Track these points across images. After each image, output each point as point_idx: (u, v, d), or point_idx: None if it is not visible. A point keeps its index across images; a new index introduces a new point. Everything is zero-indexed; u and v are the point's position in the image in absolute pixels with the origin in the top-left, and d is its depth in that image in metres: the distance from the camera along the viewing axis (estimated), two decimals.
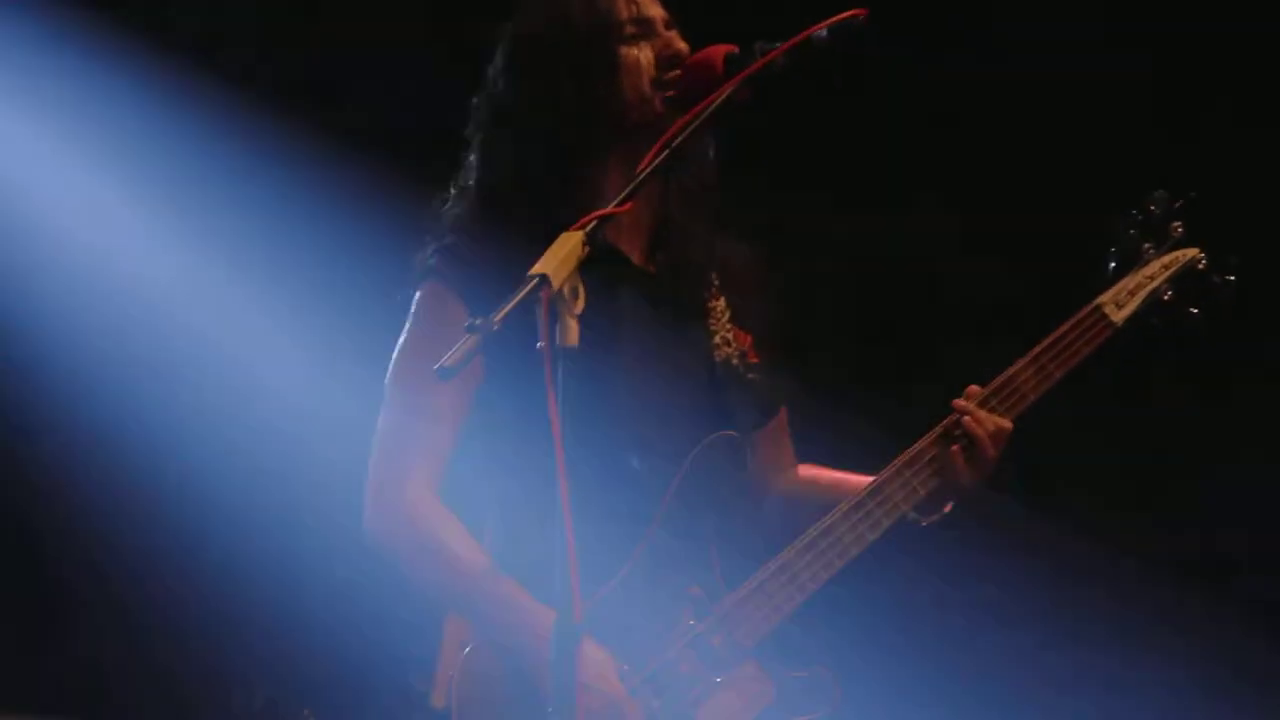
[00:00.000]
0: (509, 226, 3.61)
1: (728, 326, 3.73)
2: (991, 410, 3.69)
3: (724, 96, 3.31)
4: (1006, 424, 3.69)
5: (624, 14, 3.65)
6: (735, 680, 3.57)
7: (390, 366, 3.65)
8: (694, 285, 3.72)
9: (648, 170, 3.26)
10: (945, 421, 3.69)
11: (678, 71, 3.58)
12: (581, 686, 3.26)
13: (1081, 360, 3.74)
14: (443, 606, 3.59)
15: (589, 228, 3.15)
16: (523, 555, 3.57)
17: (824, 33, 3.32)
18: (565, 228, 3.21)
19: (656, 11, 3.67)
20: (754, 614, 3.59)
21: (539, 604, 3.48)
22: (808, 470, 3.91)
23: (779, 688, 3.60)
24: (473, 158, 3.72)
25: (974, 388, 3.72)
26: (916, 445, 3.69)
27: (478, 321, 3.03)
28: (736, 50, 3.42)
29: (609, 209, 3.21)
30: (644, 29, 3.64)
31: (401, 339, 3.66)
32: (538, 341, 3.04)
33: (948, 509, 3.73)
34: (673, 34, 3.65)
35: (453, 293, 3.61)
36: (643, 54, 3.62)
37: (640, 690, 3.52)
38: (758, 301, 3.82)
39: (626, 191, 3.25)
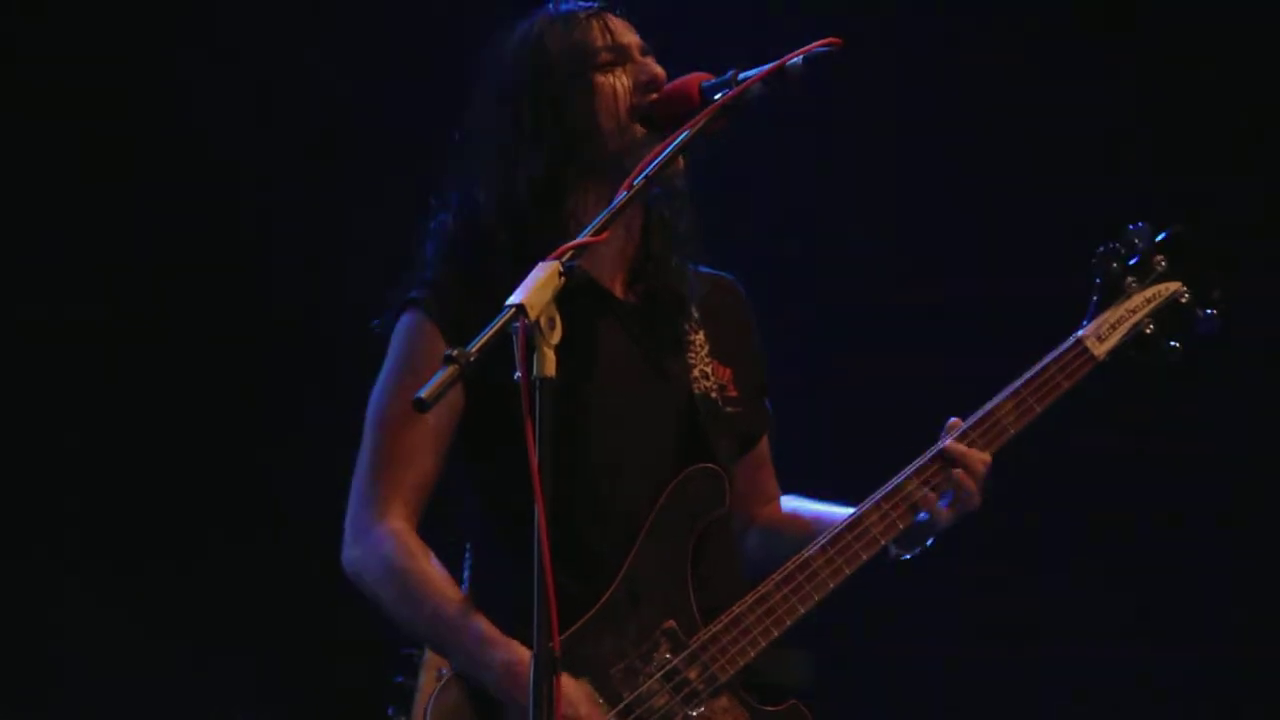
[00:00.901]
0: (489, 257, 3.60)
1: (707, 360, 3.71)
2: (971, 444, 3.68)
3: (700, 125, 3.31)
4: (985, 458, 3.68)
5: (599, 41, 3.64)
6: (711, 714, 3.55)
7: (371, 399, 3.64)
8: (673, 318, 3.71)
9: (623, 199, 3.26)
10: (924, 457, 3.67)
11: (654, 95, 3.58)
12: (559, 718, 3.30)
13: (1062, 394, 3.73)
14: (417, 638, 3.58)
15: (565, 257, 3.14)
16: (501, 586, 3.56)
17: (799, 61, 3.32)
18: (541, 252, 3.21)
19: (631, 39, 3.66)
20: (730, 647, 3.57)
21: (510, 639, 3.47)
22: (790, 502, 3.89)
23: None
24: (452, 188, 3.71)
25: (955, 420, 3.71)
26: (895, 479, 3.67)
27: (455, 353, 3.02)
28: (712, 78, 3.42)
29: (584, 239, 3.20)
30: (619, 56, 3.63)
31: (382, 371, 3.65)
32: (515, 371, 3.03)
33: (928, 543, 3.71)
34: (648, 59, 3.64)
35: (432, 324, 3.60)
36: (619, 81, 3.61)
37: None
38: (738, 334, 3.81)
39: (601, 220, 3.25)
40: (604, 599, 3.53)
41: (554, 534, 3.15)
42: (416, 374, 3.52)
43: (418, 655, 3.65)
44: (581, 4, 3.69)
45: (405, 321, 3.64)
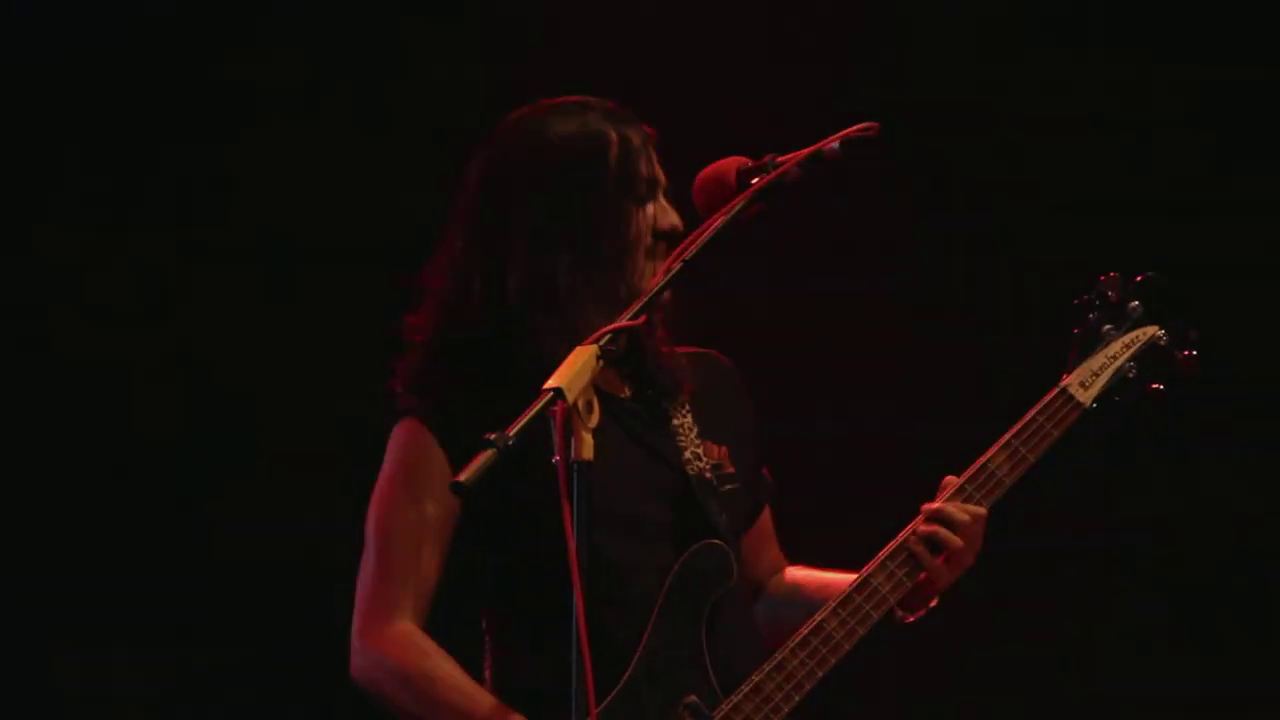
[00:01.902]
0: (482, 358, 3.62)
1: (697, 442, 3.71)
2: (968, 498, 3.69)
3: (737, 209, 3.33)
4: (981, 512, 3.69)
5: (643, 171, 3.63)
6: None
7: (370, 509, 3.66)
8: (662, 406, 3.71)
9: (662, 285, 3.29)
10: (917, 520, 3.69)
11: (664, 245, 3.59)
12: None
13: (1053, 443, 3.75)
14: None
15: (603, 341, 3.16)
16: (523, 675, 3.59)
17: (836, 146, 3.35)
18: (536, 356, 3.34)
19: (662, 177, 3.66)
20: (754, 716, 3.56)
21: None
22: (795, 572, 3.90)
23: None
24: (438, 283, 3.70)
25: (949, 479, 3.72)
26: (897, 539, 3.69)
27: (494, 436, 3.04)
28: (749, 163, 3.43)
29: (622, 323, 3.23)
30: (651, 191, 3.64)
31: (379, 480, 3.67)
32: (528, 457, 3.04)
33: (933, 604, 3.73)
34: (668, 204, 3.64)
35: (427, 430, 3.61)
36: (644, 217, 3.62)
37: None
38: (729, 409, 3.81)
39: (639, 305, 3.28)
40: (622, 681, 3.54)
41: (565, 623, 3.18)
42: (414, 483, 3.59)
43: None
44: (625, 119, 3.67)
45: (402, 431, 3.65)
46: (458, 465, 3.40)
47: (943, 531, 3.66)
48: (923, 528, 3.67)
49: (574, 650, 3.05)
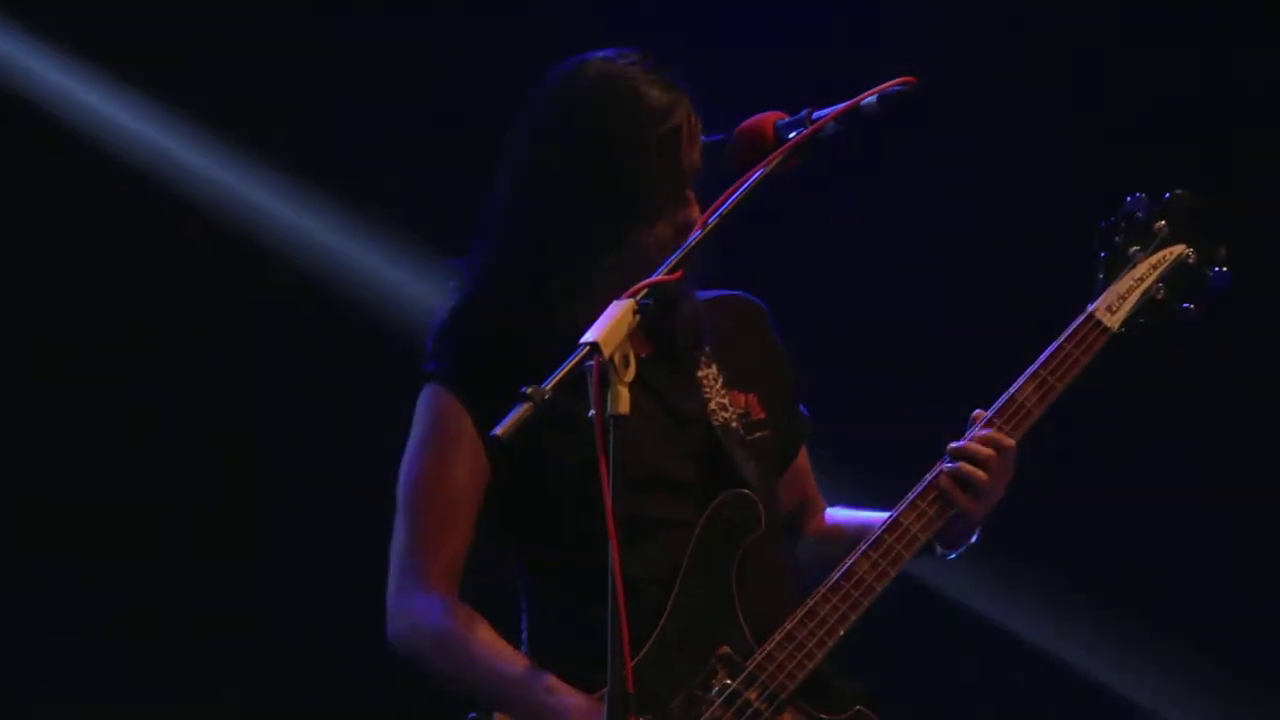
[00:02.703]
0: (512, 314, 3.63)
1: (722, 392, 3.71)
2: (998, 431, 3.68)
3: (774, 164, 3.32)
4: (1008, 444, 3.67)
5: (685, 162, 3.62)
6: None
7: (400, 476, 3.67)
8: (683, 359, 3.71)
9: (696, 238, 3.28)
10: (945, 455, 3.68)
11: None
12: None
13: (1081, 370, 3.72)
14: (477, 701, 3.59)
15: (639, 295, 3.15)
16: (558, 635, 3.61)
17: (874, 100, 3.33)
18: (568, 320, 3.38)
19: (697, 158, 3.64)
20: (786, 663, 3.57)
21: (566, 685, 3.50)
22: (835, 512, 3.91)
23: None
24: (477, 246, 3.71)
25: (979, 412, 3.71)
26: (927, 476, 3.68)
27: (530, 390, 3.04)
28: (786, 117, 3.42)
29: (659, 277, 3.22)
30: (688, 178, 3.64)
31: (408, 447, 3.68)
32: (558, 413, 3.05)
33: (972, 538, 3.73)
34: (692, 197, 3.64)
35: (452, 394, 3.62)
36: (681, 186, 3.62)
37: None
38: (758, 353, 3.81)
39: (675, 259, 3.27)
40: (653, 637, 3.55)
41: (598, 581, 3.19)
42: (442, 447, 3.61)
43: (482, 718, 3.66)
44: (674, 86, 3.65)
45: (427, 396, 3.66)
46: (483, 428, 3.47)
47: (967, 468, 3.65)
48: (948, 466, 3.66)
49: (610, 605, 3.05)
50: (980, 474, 3.64)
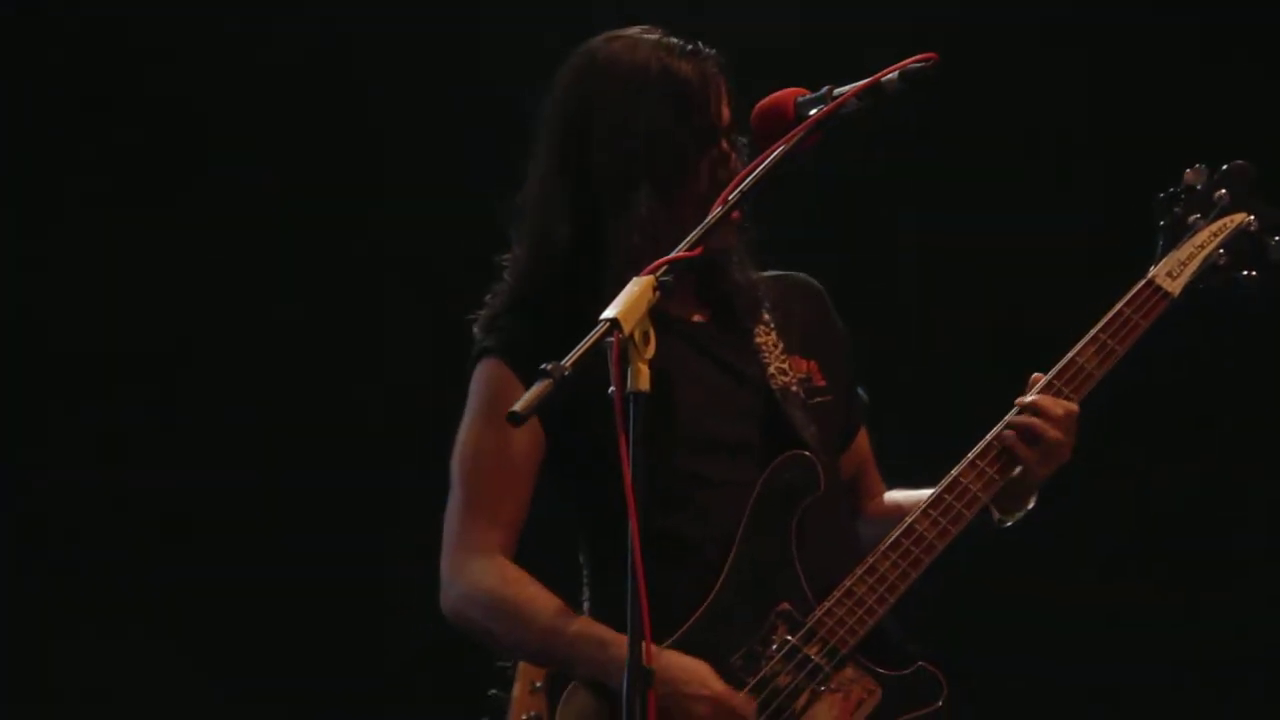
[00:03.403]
0: (564, 295, 3.64)
1: (782, 358, 3.74)
2: (1057, 394, 3.68)
3: (795, 140, 3.31)
4: (1073, 407, 3.67)
5: (715, 118, 3.66)
6: (839, 686, 3.58)
7: (455, 449, 3.70)
8: (740, 325, 3.74)
9: (718, 214, 3.28)
10: (1012, 413, 3.68)
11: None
12: (684, 698, 3.43)
13: (1141, 334, 3.72)
14: (534, 661, 3.62)
15: (659, 272, 3.15)
16: (619, 599, 3.58)
17: (896, 76, 3.32)
18: (611, 276, 3.40)
19: (726, 121, 3.68)
20: (847, 619, 3.58)
21: (620, 637, 3.47)
22: (894, 494, 3.91)
23: (885, 688, 3.60)
24: (526, 221, 3.73)
25: (1037, 375, 3.71)
26: (987, 437, 3.68)
27: (549, 366, 3.05)
28: (807, 94, 3.42)
29: (679, 253, 3.22)
30: (721, 136, 3.67)
31: (464, 419, 3.71)
32: (607, 387, 3.05)
33: (1030, 504, 3.72)
34: (730, 152, 3.66)
35: (506, 367, 3.65)
36: (712, 164, 3.65)
37: None
38: (818, 327, 3.83)
39: (695, 235, 3.27)
40: (712, 594, 3.57)
41: (658, 539, 3.31)
42: (497, 419, 3.55)
43: (511, 668, 3.67)
44: (698, 52, 3.69)
45: (482, 370, 3.69)
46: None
47: (1037, 422, 3.64)
48: (1017, 419, 3.65)
49: (630, 585, 3.05)
50: (1053, 430, 3.63)
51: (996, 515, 3.70)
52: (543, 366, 3.04)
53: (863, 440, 3.90)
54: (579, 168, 3.66)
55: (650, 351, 3.08)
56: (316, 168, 6.11)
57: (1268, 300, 3.83)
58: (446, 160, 6.02)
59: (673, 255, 3.20)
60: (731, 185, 3.30)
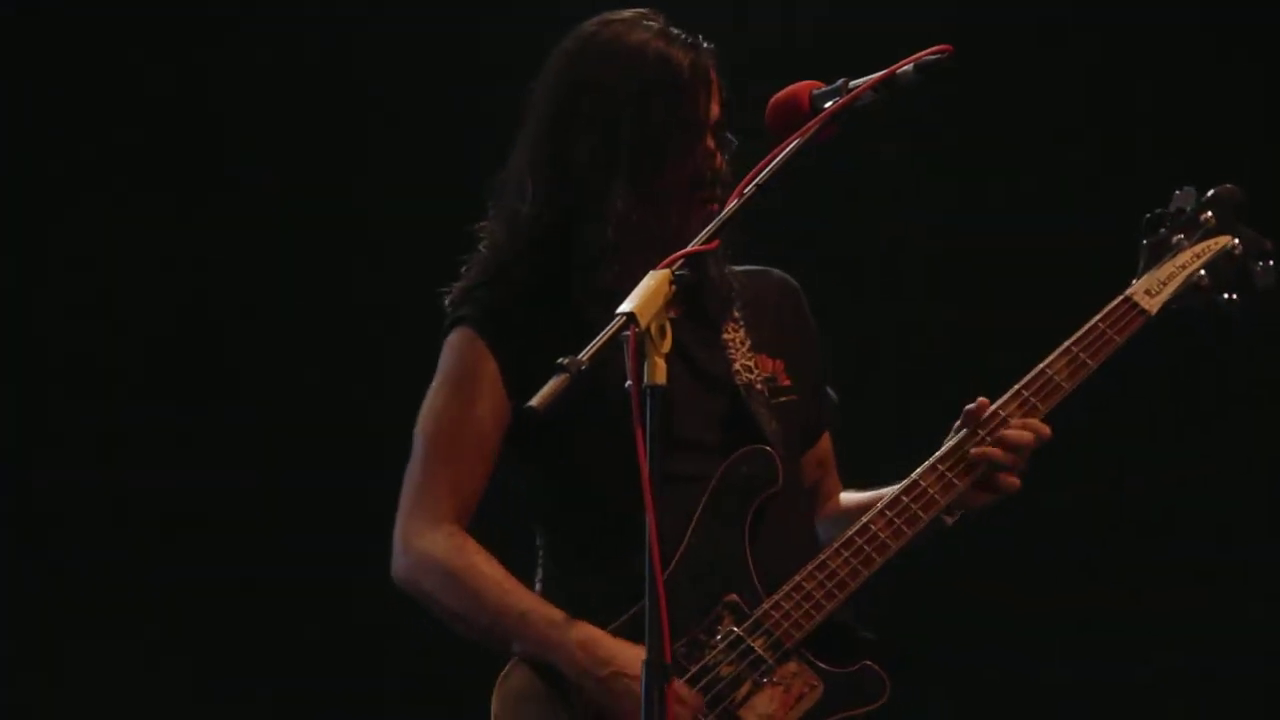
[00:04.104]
0: (538, 266, 3.66)
1: (749, 355, 3.74)
2: (1024, 403, 3.68)
3: (810, 133, 3.30)
4: (1045, 432, 3.66)
5: (705, 109, 3.65)
6: (780, 679, 3.58)
7: (421, 413, 3.69)
8: (709, 319, 3.74)
9: (733, 208, 3.26)
10: (971, 428, 3.68)
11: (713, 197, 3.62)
12: (626, 679, 3.44)
13: (1115, 350, 3.71)
14: (479, 634, 3.60)
15: (675, 266, 3.14)
16: (571, 579, 3.64)
17: (911, 69, 3.32)
18: (589, 276, 3.48)
19: (717, 113, 3.67)
20: (793, 613, 3.59)
21: (578, 620, 3.52)
22: (849, 495, 3.90)
23: (827, 685, 3.60)
24: (505, 196, 3.73)
25: (984, 401, 3.68)
26: (951, 442, 3.68)
27: (566, 361, 3.03)
28: (823, 86, 3.41)
29: (696, 247, 3.21)
30: (711, 128, 3.67)
31: (432, 386, 3.70)
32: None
33: (980, 504, 3.70)
34: (715, 149, 3.66)
35: (479, 338, 3.65)
36: (699, 156, 3.65)
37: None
38: (789, 325, 3.83)
39: (712, 228, 3.25)
40: (664, 577, 3.53)
41: (616, 527, 3.41)
42: (465, 389, 3.63)
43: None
44: (692, 42, 3.69)
45: (455, 339, 3.69)
46: (509, 374, 3.60)
47: (998, 453, 3.64)
48: (981, 451, 3.64)
49: (648, 575, 3.04)
50: (1021, 454, 3.65)
51: (947, 519, 3.70)
52: (559, 361, 3.03)
53: (825, 443, 3.89)
54: (563, 150, 3.66)
55: (667, 345, 3.08)
56: (317, 168, 6.09)
57: (1248, 324, 3.82)
58: (447, 161, 6.00)
59: (689, 249, 3.20)
60: (748, 179, 3.28)
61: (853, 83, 3.36)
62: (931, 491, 3.64)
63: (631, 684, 3.44)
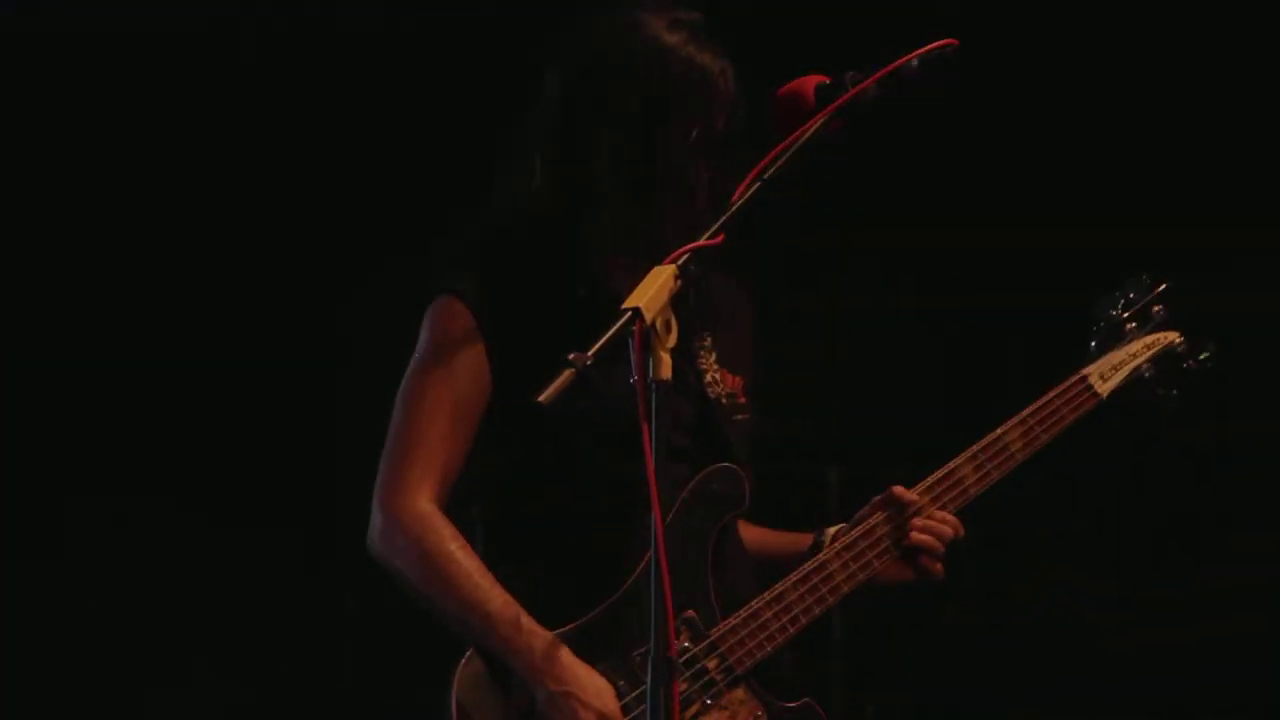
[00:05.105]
0: (531, 245, 3.65)
1: (716, 368, 3.74)
2: (980, 466, 3.76)
3: (815, 128, 3.30)
4: (960, 534, 3.75)
5: (720, 123, 3.65)
6: (728, 704, 3.60)
7: (403, 381, 3.67)
8: (686, 328, 3.68)
9: (741, 203, 3.26)
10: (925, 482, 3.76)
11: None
12: (577, 701, 3.44)
13: (1065, 428, 3.82)
14: (443, 619, 3.60)
15: (681, 261, 3.14)
16: (517, 564, 3.62)
17: (915, 64, 3.32)
18: (582, 260, 3.50)
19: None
20: (747, 640, 3.61)
21: (537, 628, 3.52)
22: (750, 531, 3.89)
23: (769, 714, 3.63)
24: (501, 171, 3.73)
25: (908, 492, 3.75)
26: (912, 491, 3.75)
27: (573, 356, 3.03)
28: (828, 81, 3.40)
29: (701, 242, 3.20)
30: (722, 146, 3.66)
31: (415, 353, 3.68)
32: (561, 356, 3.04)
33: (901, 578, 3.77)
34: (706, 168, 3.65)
35: (466, 309, 3.63)
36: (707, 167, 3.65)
37: (633, 707, 3.53)
38: (746, 343, 3.85)
39: (718, 224, 3.24)
40: (624, 586, 3.58)
41: (579, 527, 3.45)
42: (448, 360, 3.60)
43: None
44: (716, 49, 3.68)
45: (440, 308, 3.66)
46: (493, 349, 3.59)
47: (930, 540, 3.71)
48: (916, 538, 3.71)
49: (654, 574, 3.04)
50: (939, 549, 3.72)
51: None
52: (567, 356, 3.02)
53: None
54: (577, 134, 3.64)
55: (672, 340, 3.07)
56: (318, 167, 6.09)
57: (1181, 419, 3.97)
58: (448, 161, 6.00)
59: (696, 244, 3.19)
60: (752, 174, 3.28)
61: (857, 76, 3.36)
62: (891, 537, 3.73)
63: (579, 709, 3.47)
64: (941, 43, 3.32)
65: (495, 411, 3.62)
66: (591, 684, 3.50)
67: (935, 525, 3.73)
